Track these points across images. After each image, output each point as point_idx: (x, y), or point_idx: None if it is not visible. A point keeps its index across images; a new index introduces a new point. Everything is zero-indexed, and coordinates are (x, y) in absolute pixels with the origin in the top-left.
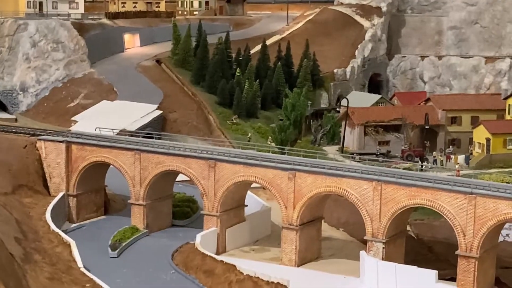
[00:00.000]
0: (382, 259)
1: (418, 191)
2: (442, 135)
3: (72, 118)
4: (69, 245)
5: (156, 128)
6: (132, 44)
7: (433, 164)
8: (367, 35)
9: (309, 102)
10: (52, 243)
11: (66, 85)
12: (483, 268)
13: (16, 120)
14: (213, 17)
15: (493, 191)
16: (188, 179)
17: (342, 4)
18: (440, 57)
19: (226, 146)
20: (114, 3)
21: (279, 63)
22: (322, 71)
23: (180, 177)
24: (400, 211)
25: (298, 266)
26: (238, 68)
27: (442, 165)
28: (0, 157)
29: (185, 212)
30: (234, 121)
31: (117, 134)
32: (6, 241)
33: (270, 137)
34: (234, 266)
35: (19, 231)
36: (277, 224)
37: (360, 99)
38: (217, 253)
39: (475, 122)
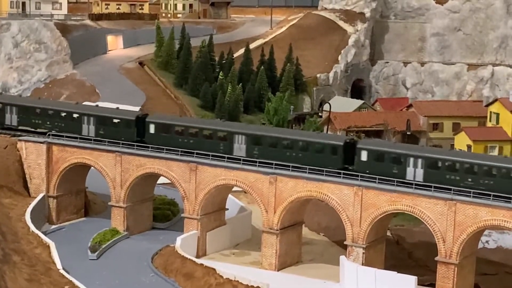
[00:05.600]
0: (362, 264)
1: (399, 197)
2: (424, 141)
3: None
4: (48, 247)
5: None
6: (115, 46)
7: None
8: (351, 41)
9: (292, 106)
10: (32, 245)
11: (48, 86)
12: (462, 274)
13: None
14: (196, 20)
15: (473, 197)
16: (169, 181)
17: (326, 9)
18: (422, 64)
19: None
20: (98, 5)
21: (262, 67)
22: (305, 75)
23: (161, 180)
24: (380, 217)
25: (278, 270)
26: (221, 72)
27: None
28: None
29: (166, 215)
30: None
31: None
32: None
33: None
34: (214, 269)
35: None
36: (257, 228)
37: (343, 104)
38: (197, 256)
39: (456, 129)
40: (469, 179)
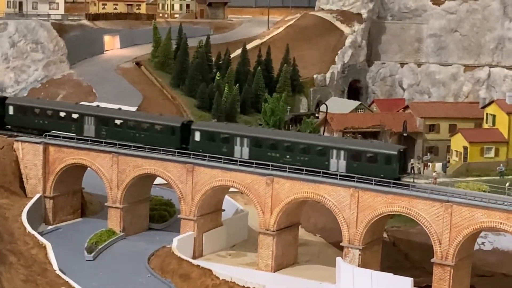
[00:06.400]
0: (358, 266)
1: (395, 199)
2: (420, 143)
3: None
4: (44, 247)
5: None
6: (112, 46)
7: (411, 171)
8: (347, 41)
9: (288, 107)
10: (28, 245)
11: (44, 86)
12: (458, 276)
13: None
14: (193, 20)
15: (469, 199)
16: (166, 182)
17: (323, 9)
18: (419, 65)
19: None
20: (95, 5)
21: (259, 67)
22: (302, 76)
23: (158, 181)
24: (377, 218)
25: (274, 272)
26: (218, 72)
27: (420, 173)
28: None
29: (162, 216)
30: None
31: None
32: None
33: None
34: (210, 270)
35: None
36: (254, 229)
37: (339, 105)
38: (194, 257)
39: (453, 130)
40: (288, 156)
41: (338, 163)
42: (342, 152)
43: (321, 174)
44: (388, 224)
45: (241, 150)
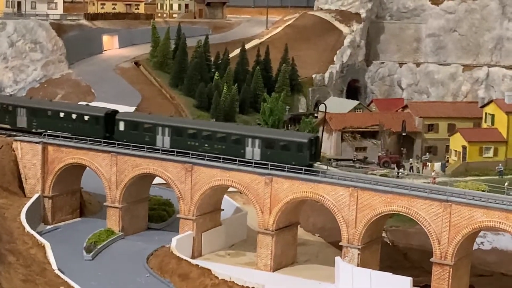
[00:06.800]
0: (357, 265)
1: (394, 198)
2: (419, 142)
3: None
4: (43, 247)
5: None
6: (111, 45)
7: (410, 171)
8: (346, 41)
9: (287, 107)
10: (27, 245)
11: (43, 86)
12: (457, 275)
13: None
14: (192, 20)
15: (468, 199)
16: (165, 182)
17: (321, 9)
18: (418, 64)
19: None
20: (93, 4)
21: (258, 67)
22: (301, 76)
23: (157, 180)
24: (376, 218)
25: (273, 271)
26: (216, 72)
27: (419, 172)
28: None
29: (161, 216)
30: None
31: None
32: None
33: None
34: (209, 270)
35: None
36: (253, 229)
37: (338, 105)
38: (193, 257)
39: (451, 130)
40: (206, 145)
41: (253, 151)
42: (256, 141)
43: (237, 162)
44: (387, 223)
45: (163, 139)
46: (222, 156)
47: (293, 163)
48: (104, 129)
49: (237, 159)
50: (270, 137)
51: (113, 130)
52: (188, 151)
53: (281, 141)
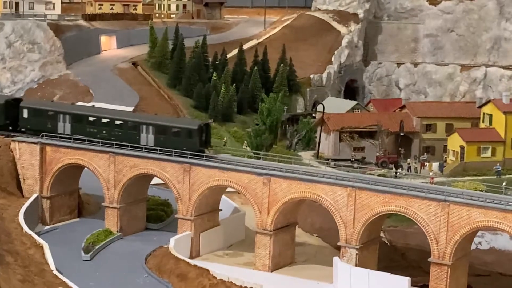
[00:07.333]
0: (356, 265)
1: (392, 198)
2: (417, 142)
3: None
4: (42, 248)
5: None
6: (109, 46)
7: (408, 171)
8: (344, 41)
9: (285, 107)
10: (25, 245)
11: (41, 86)
12: (455, 275)
13: None
14: (190, 21)
15: (466, 199)
16: (163, 182)
17: (319, 10)
18: (416, 65)
19: None
20: (91, 5)
21: (256, 67)
22: (299, 76)
23: (155, 181)
24: (374, 218)
25: (271, 271)
26: (214, 72)
27: (417, 172)
28: None
29: (159, 216)
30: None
31: None
32: None
33: (245, 142)
34: (208, 270)
35: None
36: (251, 229)
37: (336, 105)
38: (191, 257)
39: (449, 130)
40: (104, 132)
41: (147, 138)
42: (150, 128)
43: (129, 146)
44: (385, 223)
45: (64, 126)
46: (117, 142)
47: (184, 148)
48: (4, 116)
49: (131, 144)
50: (163, 124)
51: (16, 118)
52: (90, 137)
53: (173, 128)
